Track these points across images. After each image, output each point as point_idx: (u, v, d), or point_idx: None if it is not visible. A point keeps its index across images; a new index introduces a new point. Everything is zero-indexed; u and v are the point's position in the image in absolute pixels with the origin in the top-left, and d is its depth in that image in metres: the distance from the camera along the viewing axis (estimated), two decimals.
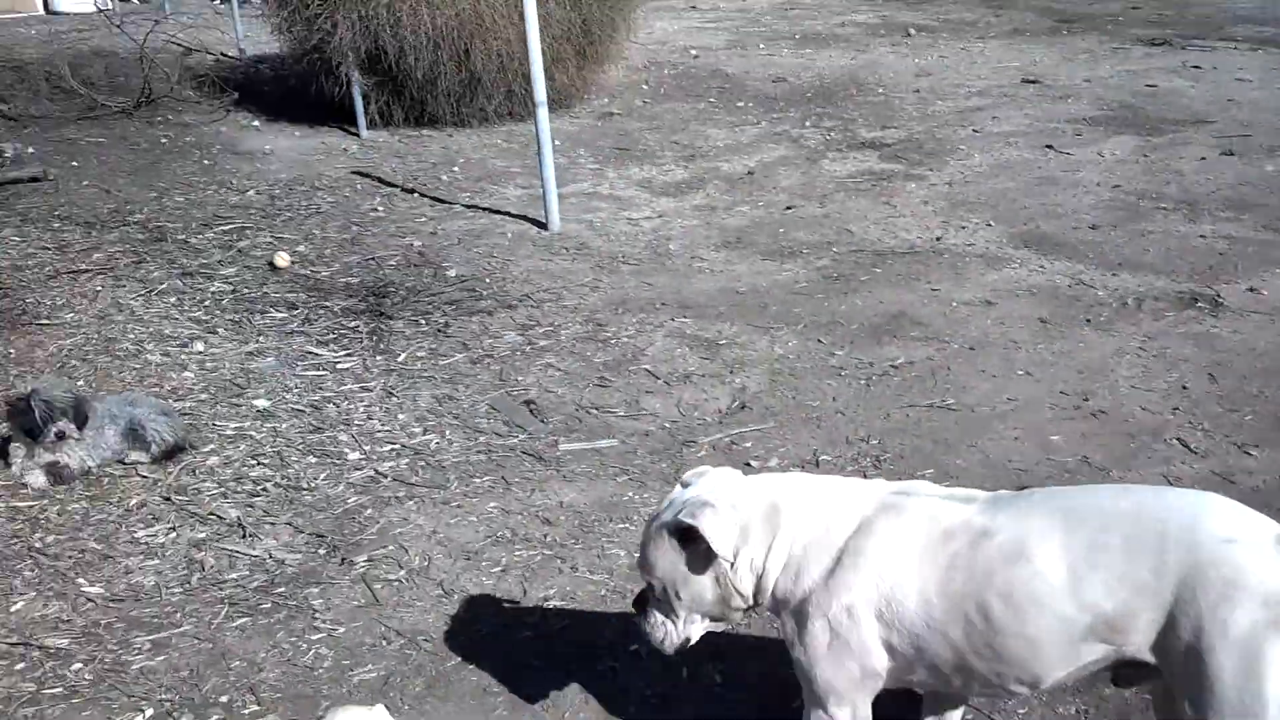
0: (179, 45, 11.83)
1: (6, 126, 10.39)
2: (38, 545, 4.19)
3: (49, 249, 7.39)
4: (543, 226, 7.71)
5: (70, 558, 4.10)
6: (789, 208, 8.05)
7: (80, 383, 5.40)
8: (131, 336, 5.97)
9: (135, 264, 7.10)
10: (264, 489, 4.57)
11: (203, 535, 4.23)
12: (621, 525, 4.24)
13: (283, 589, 3.90)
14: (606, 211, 8.09)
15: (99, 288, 6.68)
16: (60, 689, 3.44)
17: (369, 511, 4.36)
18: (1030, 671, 2.44)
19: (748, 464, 4.66)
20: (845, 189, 8.46)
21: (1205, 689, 2.25)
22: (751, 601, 2.69)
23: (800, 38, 14.18)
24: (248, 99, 11.28)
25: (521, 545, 4.11)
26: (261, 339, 5.99)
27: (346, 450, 4.84)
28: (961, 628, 2.44)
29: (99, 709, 3.35)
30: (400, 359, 5.73)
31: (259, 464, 4.74)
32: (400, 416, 5.12)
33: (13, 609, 3.82)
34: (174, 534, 4.24)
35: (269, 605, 3.81)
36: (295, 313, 6.37)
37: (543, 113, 7.27)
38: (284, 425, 5.08)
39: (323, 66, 9.95)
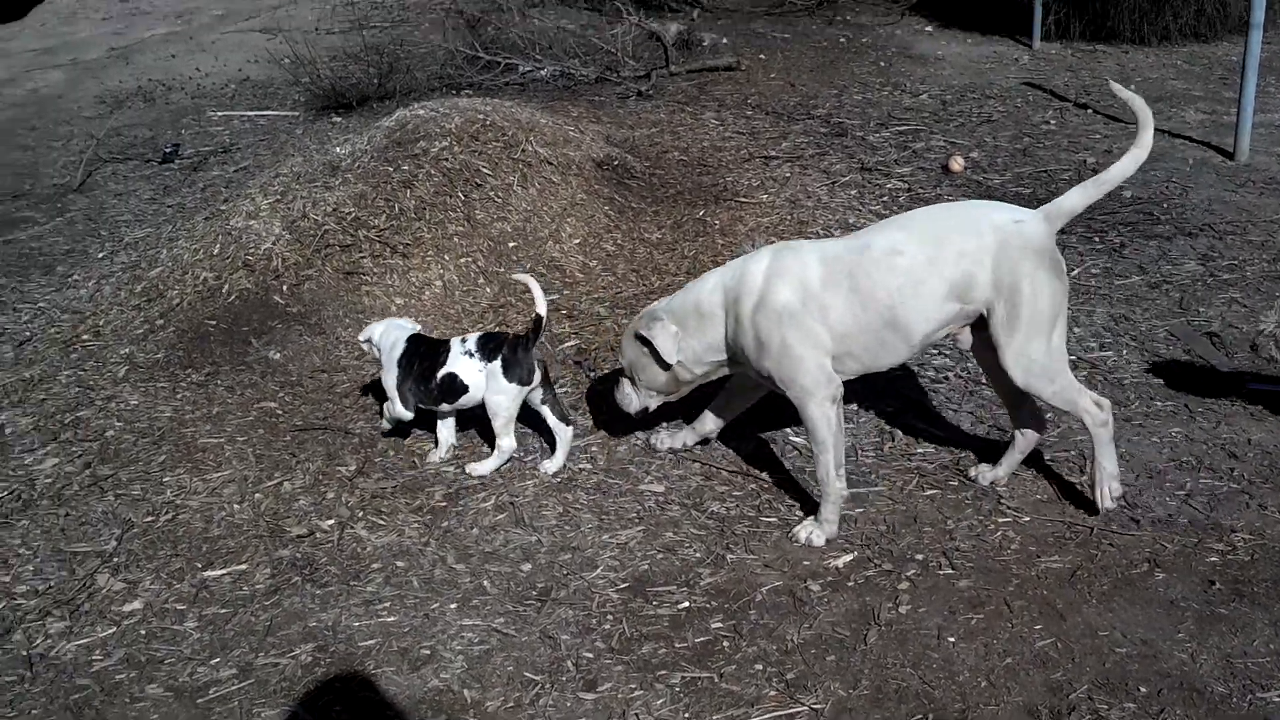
0: None
1: (703, 18, 11.42)
2: None
3: (742, 134, 8.12)
4: (1228, 155, 7.31)
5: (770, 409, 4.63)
6: None
7: None
8: (820, 221, 6.47)
9: (818, 155, 7.63)
10: (945, 378, 4.86)
11: (891, 409, 4.61)
12: None
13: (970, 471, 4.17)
14: None
15: (787, 174, 7.27)
16: (775, 519, 3.96)
17: (1049, 415, 4.50)
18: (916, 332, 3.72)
19: None
20: None
21: (1018, 312, 3.63)
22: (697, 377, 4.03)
23: None
24: (922, 4, 11.53)
25: (1207, 474, 4.08)
26: None
27: None
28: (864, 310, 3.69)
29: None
30: (1074, 274, 5.76)
31: (940, 354, 5.02)
32: (1076, 330, 5.19)
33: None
34: (867, 406, 4.64)
35: (956, 483, 4.10)
36: None
37: (1256, 35, 6.83)
38: None
39: None
